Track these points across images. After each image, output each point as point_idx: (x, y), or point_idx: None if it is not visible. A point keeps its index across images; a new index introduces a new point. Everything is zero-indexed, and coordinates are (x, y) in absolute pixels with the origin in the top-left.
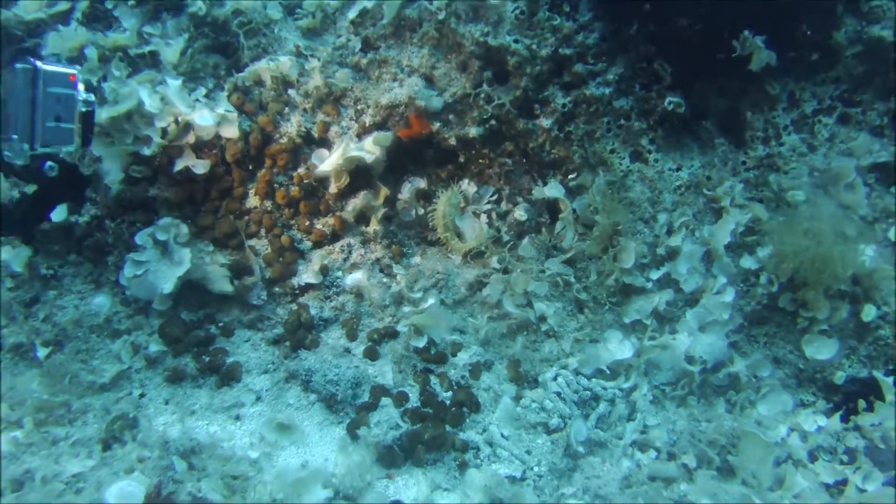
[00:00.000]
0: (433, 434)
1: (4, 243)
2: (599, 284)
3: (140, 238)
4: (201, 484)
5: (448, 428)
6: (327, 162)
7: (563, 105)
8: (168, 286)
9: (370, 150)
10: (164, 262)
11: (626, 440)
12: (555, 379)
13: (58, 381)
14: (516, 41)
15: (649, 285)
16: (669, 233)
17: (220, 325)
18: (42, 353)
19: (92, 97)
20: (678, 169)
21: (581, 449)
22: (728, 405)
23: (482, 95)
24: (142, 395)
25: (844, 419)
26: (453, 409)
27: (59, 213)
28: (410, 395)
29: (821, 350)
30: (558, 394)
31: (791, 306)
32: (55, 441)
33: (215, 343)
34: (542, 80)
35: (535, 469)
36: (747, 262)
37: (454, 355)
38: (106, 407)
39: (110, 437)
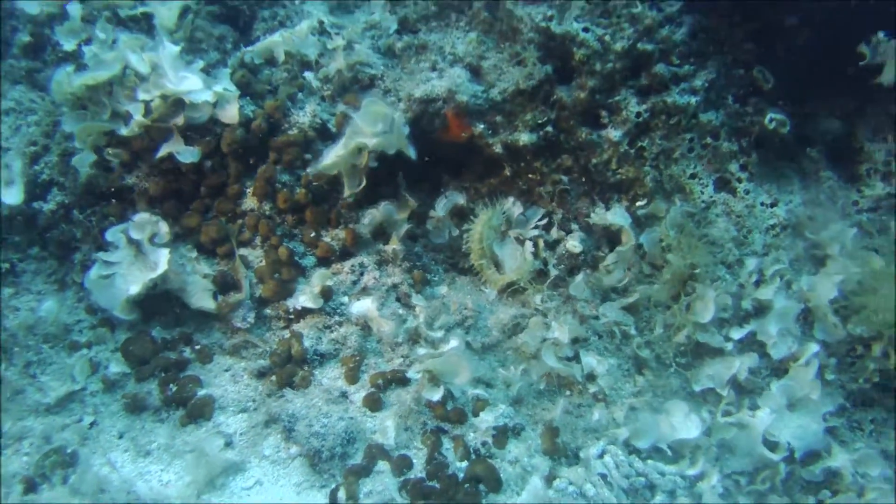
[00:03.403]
0: None
1: None
2: (666, 340)
3: (111, 235)
4: None
5: None
6: (331, 154)
7: (638, 114)
8: (135, 288)
9: (366, 130)
10: (137, 265)
11: None
12: (601, 456)
13: None
14: (586, 30)
15: (729, 346)
16: (758, 283)
17: (197, 347)
18: None
19: None
20: (773, 204)
21: None
22: None
23: (539, 94)
24: (92, 424)
25: None
26: (466, 485)
27: (13, 196)
28: (415, 460)
29: None
30: (604, 476)
31: None
32: None
33: (188, 370)
34: (614, 81)
35: None
36: (857, 328)
37: (476, 415)
38: (47, 434)
39: (38, 474)
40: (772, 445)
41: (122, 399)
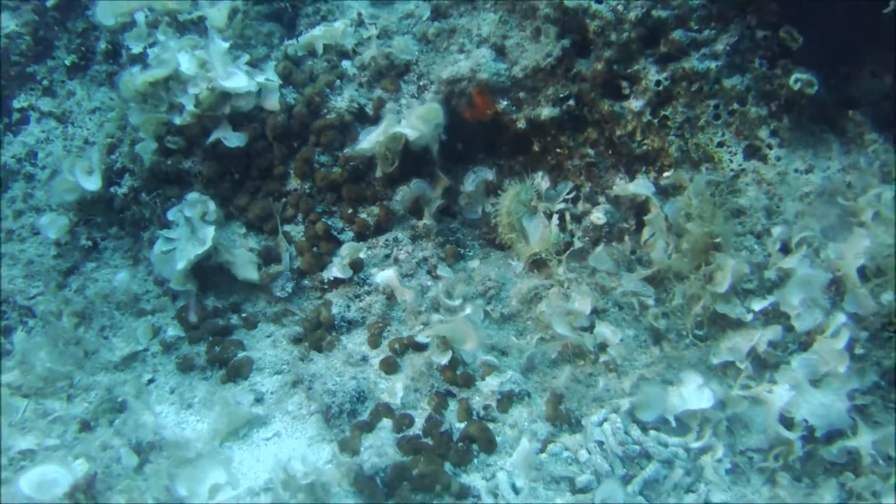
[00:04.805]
0: (423, 471)
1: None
2: (685, 312)
3: (172, 214)
4: (140, 484)
5: (449, 467)
6: (369, 139)
7: (658, 83)
8: (181, 264)
9: (415, 125)
10: (193, 240)
11: None
12: (601, 424)
13: (66, 352)
14: (599, 1)
15: (749, 318)
16: (786, 251)
17: (244, 315)
18: (67, 323)
19: None
20: (808, 171)
21: None
22: (842, 491)
23: (559, 69)
24: (151, 381)
25: None
26: (460, 444)
27: (93, 183)
28: (418, 420)
29: None
30: (600, 444)
31: None
32: (45, 414)
33: (235, 334)
34: (632, 51)
35: None
36: (888, 296)
37: (483, 380)
38: (110, 387)
39: (93, 418)
40: (789, 423)
41: (175, 359)
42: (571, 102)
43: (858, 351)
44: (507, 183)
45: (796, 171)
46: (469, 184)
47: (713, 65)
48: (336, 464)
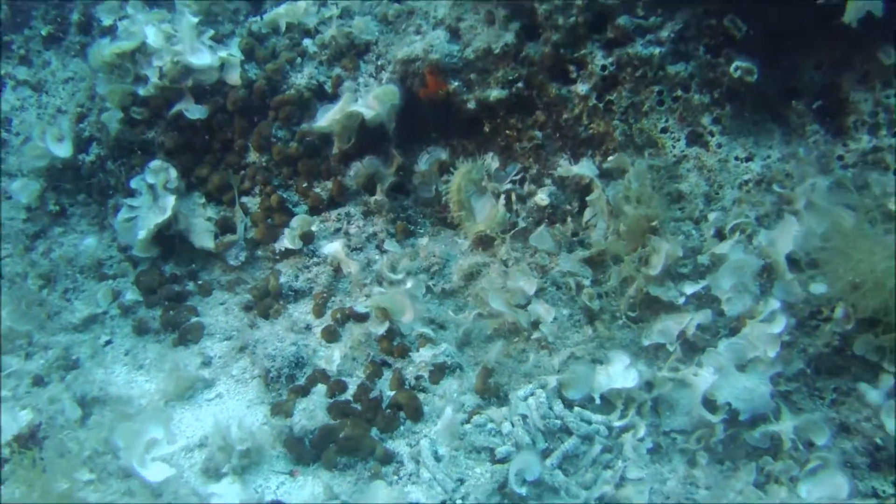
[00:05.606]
0: (348, 434)
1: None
2: (619, 293)
3: (135, 183)
4: (81, 435)
5: (376, 433)
6: (326, 117)
7: (603, 67)
8: (143, 232)
9: (371, 105)
10: (154, 208)
11: (591, 493)
12: (526, 398)
13: (29, 312)
14: None
15: (681, 301)
16: (721, 237)
17: (199, 282)
18: (32, 285)
19: None
20: (748, 159)
21: (522, 491)
22: (760, 475)
23: (509, 52)
24: (108, 342)
25: None
26: (388, 410)
27: (64, 149)
28: (352, 386)
29: None
30: (524, 417)
31: (874, 355)
32: (2, 370)
33: (190, 300)
34: (579, 35)
35: (459, 503)
36: (819, 288)
37: (419, 350)
38: (68, 347)
39: (47, 374)
40: (714, 406)
41: (132, 322)
42: (520, 85)
43: (785, 338)
44: (458, 162)
45: (737, 158)
46: (423, 163)
47: (657, 51)
48: (270, 426)
